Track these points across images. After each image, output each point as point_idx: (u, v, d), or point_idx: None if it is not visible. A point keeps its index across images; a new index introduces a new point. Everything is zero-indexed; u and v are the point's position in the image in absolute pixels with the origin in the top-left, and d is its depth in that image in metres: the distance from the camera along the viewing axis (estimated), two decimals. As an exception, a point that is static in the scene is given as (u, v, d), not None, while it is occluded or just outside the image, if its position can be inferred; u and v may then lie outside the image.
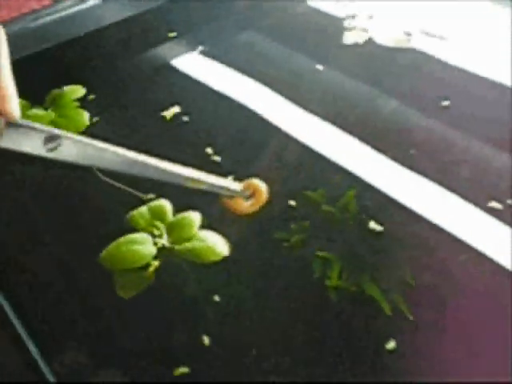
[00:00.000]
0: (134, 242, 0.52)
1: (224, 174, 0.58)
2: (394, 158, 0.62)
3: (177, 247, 0.52)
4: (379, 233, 0.54)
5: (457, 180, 0.59)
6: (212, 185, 0.45)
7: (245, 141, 0.67)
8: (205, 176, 0.44)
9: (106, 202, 0.59)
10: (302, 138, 0.65)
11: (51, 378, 0.44)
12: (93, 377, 0.45)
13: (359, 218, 0.55)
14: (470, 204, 0.56)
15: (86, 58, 0.82)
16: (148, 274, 0.51)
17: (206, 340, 0.46)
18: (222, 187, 0.46)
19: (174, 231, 0.53)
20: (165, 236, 0.53)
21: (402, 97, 0.72)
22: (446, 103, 0.70)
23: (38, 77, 0.72)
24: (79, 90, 0.73)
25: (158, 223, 0.54)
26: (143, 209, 0.55)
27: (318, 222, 0.55)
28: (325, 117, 0.68)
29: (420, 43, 0.81)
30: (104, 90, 0.76)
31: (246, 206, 0.49)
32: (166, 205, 0.56)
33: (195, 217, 0.54)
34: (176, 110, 0.71)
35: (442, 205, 0.56)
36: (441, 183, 0.58)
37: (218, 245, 0.52)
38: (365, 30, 0.84)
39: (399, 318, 0.47)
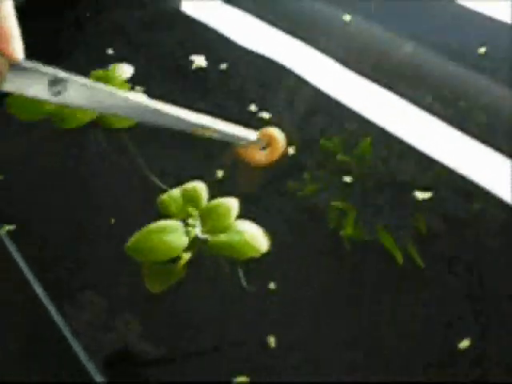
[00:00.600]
0: (164, 230, 0.46)
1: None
2: (412, 102, 0.59)
3: (211, 239, 0.47)
4: (394, 182, 0.51)
5: (474, 124, 0.56)
6: (225, 133, 0.40)
7: (258, 85, 0.63)
8: (217, 124, 0.39)
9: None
10: (320, 84, 0.62)
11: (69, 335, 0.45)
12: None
13: (375, 167, 0.53)
14: (487, 148, 0.53)
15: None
16: (178, 267, 0.46)
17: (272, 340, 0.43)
18: (236, 136, 0.41)
19: (208, 219, 0.48)
20: (198, 224, 0.47)
21: (423, 41, 0.66)
22: (479, 50, 0.64)
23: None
24: (126, 70, 0.64)
25: (191, 209, 0.48)
26: (176, 192, 0.49)
27: (332, 171, 0.53)
28: (345, 62, 0.65)
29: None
30: (123, 44, 0.69)
31: (261, 156, 0.44)
32: (201, 188, 0.50)
33: (233, 204, 0.49)
34: (201, 60, 0.66)
35: (458, 149, 0.54)
36: (458, 127, 0.56)
37: (256, 239, 0.47)
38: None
39: (410, 268, 0.46)
